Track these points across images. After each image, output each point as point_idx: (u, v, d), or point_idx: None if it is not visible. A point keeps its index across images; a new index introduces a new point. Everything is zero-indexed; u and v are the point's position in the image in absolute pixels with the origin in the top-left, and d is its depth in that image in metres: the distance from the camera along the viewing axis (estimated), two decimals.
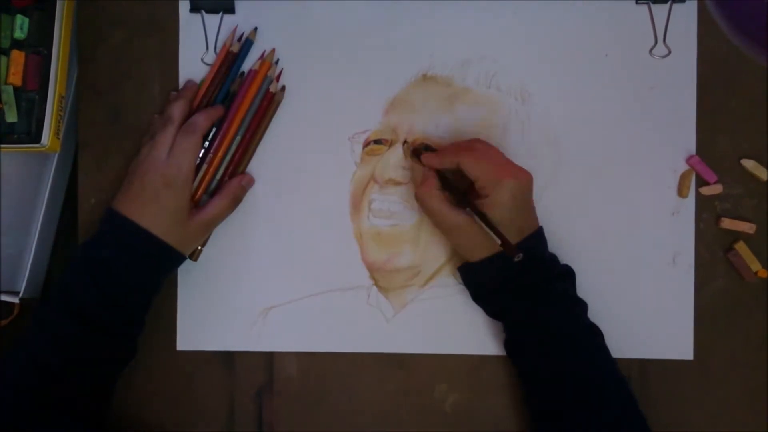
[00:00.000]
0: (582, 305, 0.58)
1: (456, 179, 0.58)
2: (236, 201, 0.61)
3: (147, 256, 0.57)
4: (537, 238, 0.58)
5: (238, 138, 0.61)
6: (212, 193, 0.61)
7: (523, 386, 0.60)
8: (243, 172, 0.62)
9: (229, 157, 0.61)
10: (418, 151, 0.61)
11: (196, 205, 0.60)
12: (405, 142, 0.63)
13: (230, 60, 0.62)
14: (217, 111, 0.60)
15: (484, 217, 0.54)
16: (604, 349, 0.58)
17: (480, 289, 0.60)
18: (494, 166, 0.56)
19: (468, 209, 0.56)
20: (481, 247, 0.57)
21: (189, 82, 0.62)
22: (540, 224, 0.59)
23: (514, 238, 0.55)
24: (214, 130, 0.61)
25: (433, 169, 0.58)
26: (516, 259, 0.52)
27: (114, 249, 0.56)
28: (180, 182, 0.57)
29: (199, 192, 0.60)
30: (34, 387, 0.54)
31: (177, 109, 0.59)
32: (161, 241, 0.56)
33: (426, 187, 0.57)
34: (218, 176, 0.61)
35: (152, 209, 0.56)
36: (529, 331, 0.58)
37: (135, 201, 0.57)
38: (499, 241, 0.53)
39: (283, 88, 0.63)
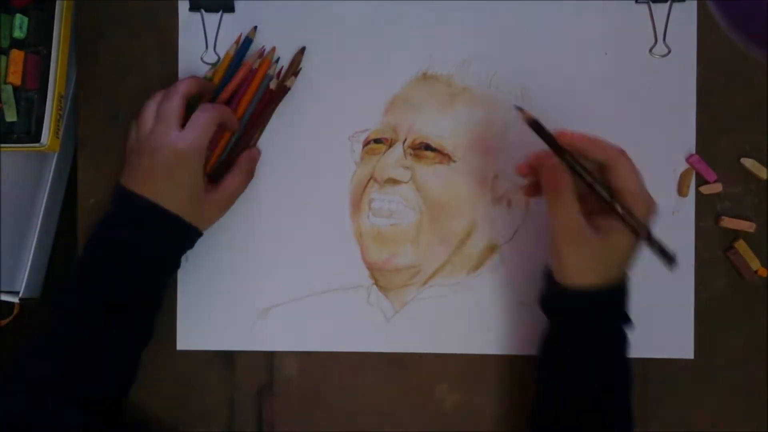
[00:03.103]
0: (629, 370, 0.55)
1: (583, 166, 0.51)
2: (249, 174, 0.61)
3: (164, 233, 0.56)
4: (624, 291, 0.54)
5: (237, 136, 0.61)
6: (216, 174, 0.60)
7: (538, 390, 0.57)
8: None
9: (225, 154, 0.61)
10: (536, 123, 0.52)
11: (210, 182, 0.60)
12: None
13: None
14: (236, 121, 0.60)
15: (612, 200, 0.49)
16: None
17: (551, 310, 0.56)
18: (641, 187, 0.50)
19: (599, 197, 0.50)
20: (589, 270, 0.50)
21: (211, 82, 0.61)
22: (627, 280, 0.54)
23: (617, 270, 0.51)
24: None
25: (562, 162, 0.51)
26: (646, 237, 0.46)
27: (130, 228, 0.55)
28: (193, 156, 0.55)
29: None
30: (50, 376, 0.53)
31: (185, 83, 0.57)
32: (177, 216, 0.55)
33: (559, 178, 0.50)
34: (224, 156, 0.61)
35: (166, 185, 0.55)
36: (567, 377, 0.55)
37: (146, 177, 0.55)
38: (635, 229, 0.49)
39: (303, 49, 0.62)
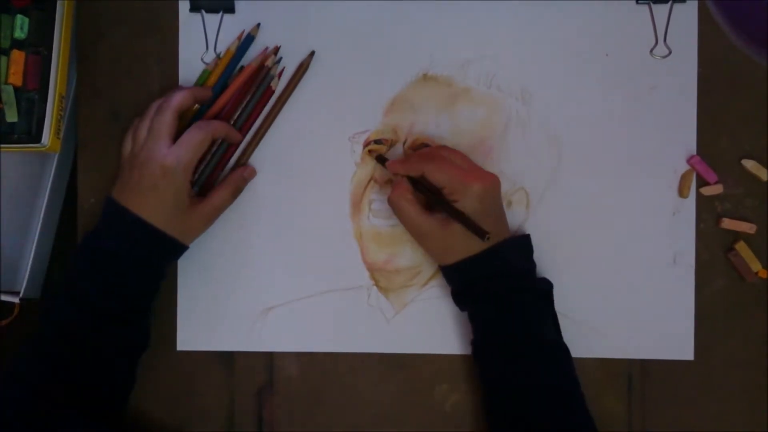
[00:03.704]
0: (548, 320, 0.58)
1: (427, 186, 0.58)
2: (237, 192, 0.61)
3: (147, 246, 0.57)
4: (509, 247, 0.58)
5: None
6: (202, 186, 0.61)
7: (483, 389, 0.60)
8: (245, 164, 0.62)
9: (222, 149, 0.61)
10: (381, 157, 0.62)
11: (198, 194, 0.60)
12: (365, 144, 0.63)
13: (255, 75, 0.62)
14: (237, 135, 0.61)
15: (455, 211, 0.55)
16: (564, 365, 0.58)
17: (452, 290, 0.60)
18: (459, 171, 0.56)
19: (443, 209, 0.56)
20: (452, 251, 0.57)
21: (206, 88, 0.61)
22: (526, 233, 0.60)
23: (480, 243, 0.56)
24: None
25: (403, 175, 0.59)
26: (486, 239, 0.54)
27: (114, 240, 0.56)
28: (178, 173, 0.56)
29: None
30: (46, 381, 0.54)
31: (177, 97, 0.58)
32: (160, 231, 0.56)
33: (399, 191, 0.58)
34: (209, 169, 0.61)
35: (151, 200, 0.56)
36: (490, 337, 0.58)
37: (134, 191, 0.56)
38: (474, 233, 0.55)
39: (312, 53, 0.63)
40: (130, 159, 0.58)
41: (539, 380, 0.56)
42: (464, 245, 0.57)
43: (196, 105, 0.61)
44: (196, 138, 0.57)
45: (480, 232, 0.54)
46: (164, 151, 0.56)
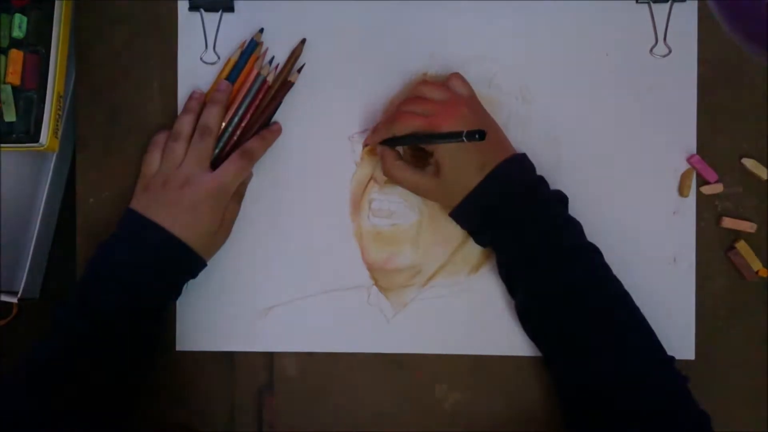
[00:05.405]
0: (572, 225, 0.58)
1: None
2: (242, 198, 0.62)
3: (175, 263, 0.57)
4: (504, 169, 0.57)
5: (235, 121, 0.61)
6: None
7: (533, 331, 0.60)
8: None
9: (224, 139, 0.61)
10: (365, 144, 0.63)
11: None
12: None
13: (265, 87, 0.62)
14: (270, 142, 0.62)
15: (438, 136, 0.56)
16: (603, 266, 0.57)
17: (471, 228, 0.60)
18: (423, 121, 0.57)
19: (430, 149, 0.57)
20: (453, 194, 0.58)
21: (222, 85, 0.61)
22: (520, 152, 0.59)
23: (477, 175, 0.56)
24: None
25: (382, 146, 0.60)
26: (477, 138, 0.50)
27: (141, 254, 0.56)
28: (222, 197, 0.58)
29: None
30: (50, 388, 0.53)
31: (214, 120, 0.59)
32: (192, 249, 0.57)
33: (386, 162, 0.59)
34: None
35: (189, 220, 0.56)
36: (510, 259, 0.58)
37: (169, 209, 0.56)
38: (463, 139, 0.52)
39: (303, 41, 0.63)
40: (164, 177, 0.58)
41: (559, 281, 0.56)
42: (460, 185, 0.57)
43: None
44: (237, 167, 0.58)
45: (470, 134, 0.51)
46: (209, 176, 0.57)
